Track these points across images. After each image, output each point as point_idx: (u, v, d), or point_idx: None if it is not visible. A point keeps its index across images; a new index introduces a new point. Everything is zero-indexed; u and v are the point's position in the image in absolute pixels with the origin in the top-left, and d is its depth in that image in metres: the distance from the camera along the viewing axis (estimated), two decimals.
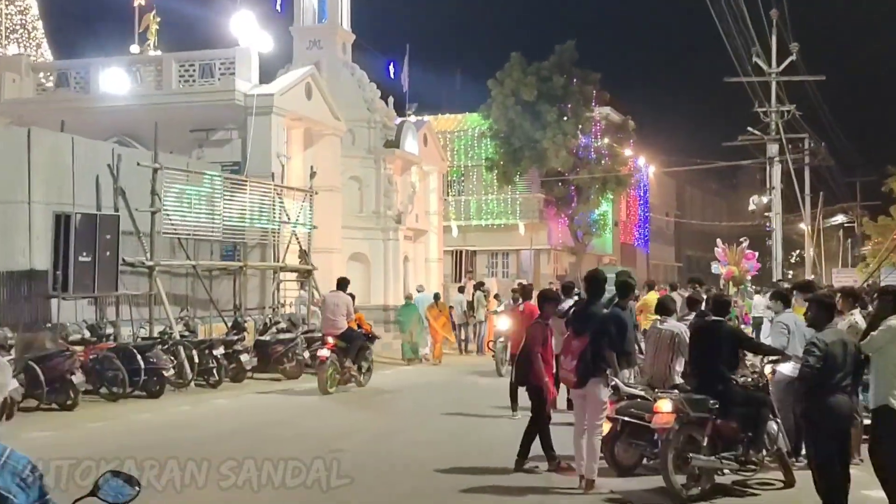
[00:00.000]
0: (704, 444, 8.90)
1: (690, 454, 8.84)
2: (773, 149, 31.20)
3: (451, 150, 45.76)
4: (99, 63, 27.55)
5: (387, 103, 32.84)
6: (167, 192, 19.50)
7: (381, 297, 31.11)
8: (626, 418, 9.33)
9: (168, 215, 19.51)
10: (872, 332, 7.70)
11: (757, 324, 18.45)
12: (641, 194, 60.74)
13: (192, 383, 17.76)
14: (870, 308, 10.85)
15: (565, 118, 42.30)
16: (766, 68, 31.13)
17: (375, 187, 31.60)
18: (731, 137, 37.02)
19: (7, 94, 27.66)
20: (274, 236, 23.69)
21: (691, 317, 11.31)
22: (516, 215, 47.10)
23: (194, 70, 26.17)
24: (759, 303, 18.22)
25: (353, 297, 18.69)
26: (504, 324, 18.92)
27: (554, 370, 10.60)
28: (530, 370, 10.44)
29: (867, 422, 8.55)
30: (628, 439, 9.53)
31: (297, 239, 24.27)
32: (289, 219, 23.80)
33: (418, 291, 26.24)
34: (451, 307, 26.16)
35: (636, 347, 11.51)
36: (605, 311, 10.01)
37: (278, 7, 30.62)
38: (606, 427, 9.41)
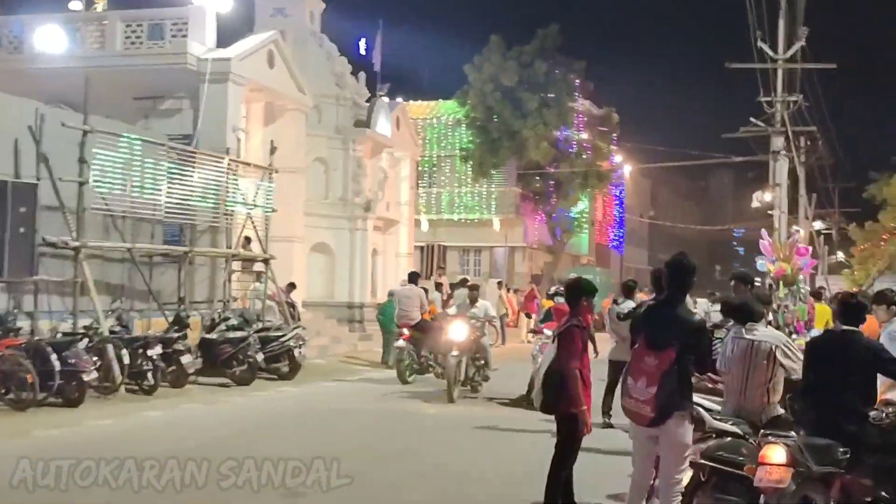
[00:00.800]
0: None
1: None
2: (777, 142, 28.67)
3: (423, 140, 42.80)
4: (35, 20, 24.28)
5: (358, 80, 29.87)
6: (99, 161, 16.43)
7: (345, 294, 28.14)
8: (716, 465, 6.52)
9: (99, 188, 16.47)
10: None
11: None
12: (618, 194, 58.28)
13: (122, 389, 14.83)
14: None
15: (547, 107, 39.58)
16: (773, 54, 28.58)
17: (343, 171, 28.55)
18: (720, 131, 34.52)
19: None
20: (227, 219, 20.72)
21: (731, 325, 8.58)
22: (491, 210, 44.38)
23: (142, 30, 22.93)
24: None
25: (426, 290, 19.89)
26: (459, 332, 15.93)
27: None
28: (563, 392, 7.66)
29: None
30: (716, 494, 6.67)
31: (254, 224, 21.35)
32: (245, 200, 20.88)
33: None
34: None
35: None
36: (695, 315, 7.17)
37: None
38: (686, 476, 6.63)
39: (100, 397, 14.37)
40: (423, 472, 10.02)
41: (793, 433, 6.54)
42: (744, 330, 7.69)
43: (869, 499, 6.58)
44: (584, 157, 42.74)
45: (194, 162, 19.57)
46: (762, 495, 6.17)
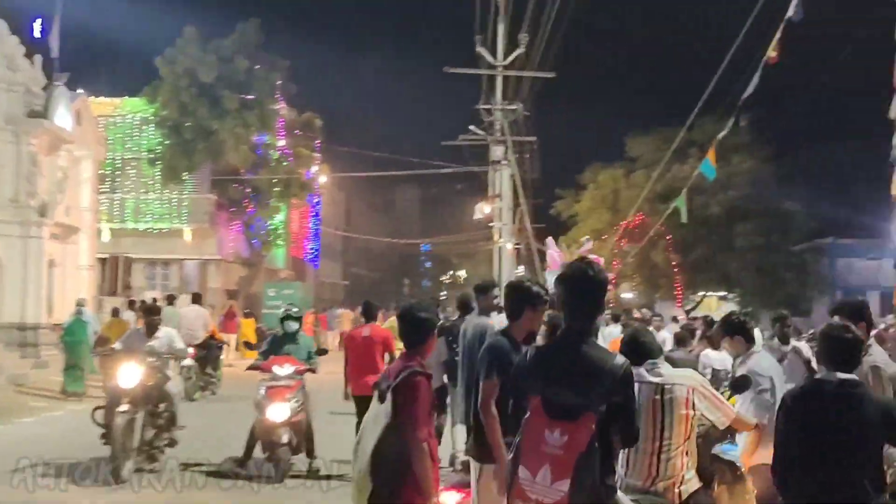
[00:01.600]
0: None
1: None
2: (497, 151, 27.62)
3: (105, 140, 38.21)
4: None
5: (33, 64, 25.51)
6: None
7: (17, 314, 23.71)
8: None
9: None
10: None
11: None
12: (314, 205, 55.97)
13: None
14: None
15: (248, 109, 36.53)
16: (492, 60, 27.55)
17: (14, 168, 24.04)
18: (442, 138, 33.25)
19: None
20: None
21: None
22: (182, 219, 40.48)
23: None
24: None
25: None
26: (129, 377, 11.17)
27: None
28: (406, 478, 5.17)
29: None
30: None
31: None
32: None
33: (79, 306, 19.76)
34: None
35: None
36: (614, 357, 4.76)
37: None
38: None
39: None
40: None
41: None
42: (644, 371, 5.58)
43: None
44: (285, 164, 40.07)
45: None
46: None
